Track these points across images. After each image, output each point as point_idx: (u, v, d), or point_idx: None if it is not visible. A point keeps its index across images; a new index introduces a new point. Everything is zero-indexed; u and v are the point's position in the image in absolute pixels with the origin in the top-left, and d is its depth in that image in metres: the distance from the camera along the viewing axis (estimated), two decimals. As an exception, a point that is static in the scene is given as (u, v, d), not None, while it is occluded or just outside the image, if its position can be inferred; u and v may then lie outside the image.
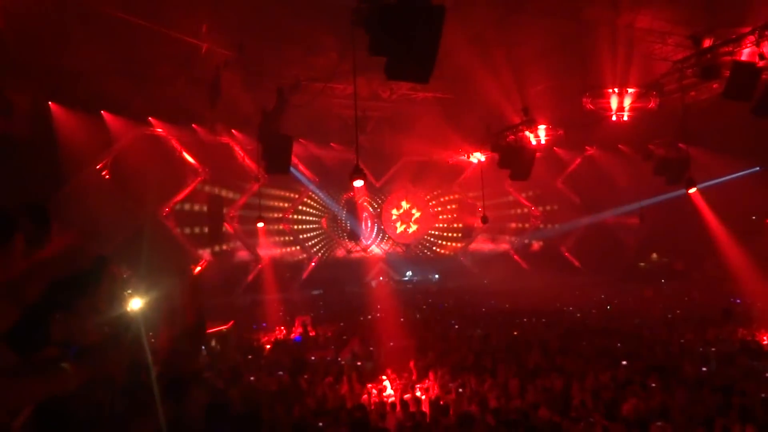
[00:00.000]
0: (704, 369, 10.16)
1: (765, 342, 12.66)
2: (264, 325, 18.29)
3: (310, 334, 16.33)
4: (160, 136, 21.09)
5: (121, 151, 20.02)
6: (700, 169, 16.94)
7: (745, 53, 12.79)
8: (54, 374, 1.99)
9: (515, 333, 14.82)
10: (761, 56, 12.00)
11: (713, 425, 6.72)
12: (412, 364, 10.55)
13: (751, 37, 12.28)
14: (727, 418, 6.85)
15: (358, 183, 9.84)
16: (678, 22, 15.39)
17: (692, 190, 14.24)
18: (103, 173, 19.94)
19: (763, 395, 7.79)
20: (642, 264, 29.33)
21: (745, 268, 20.98)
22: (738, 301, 18.72)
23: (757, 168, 23.28)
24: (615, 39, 17.16)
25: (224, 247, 24.23)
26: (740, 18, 13.28)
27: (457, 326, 16.56)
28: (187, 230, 22.93)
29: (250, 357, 12.95)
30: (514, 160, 17.85)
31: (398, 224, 29.91)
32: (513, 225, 30.71)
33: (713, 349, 11.94)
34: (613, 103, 18.38)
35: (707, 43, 13.98)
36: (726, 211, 23.00)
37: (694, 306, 19.43)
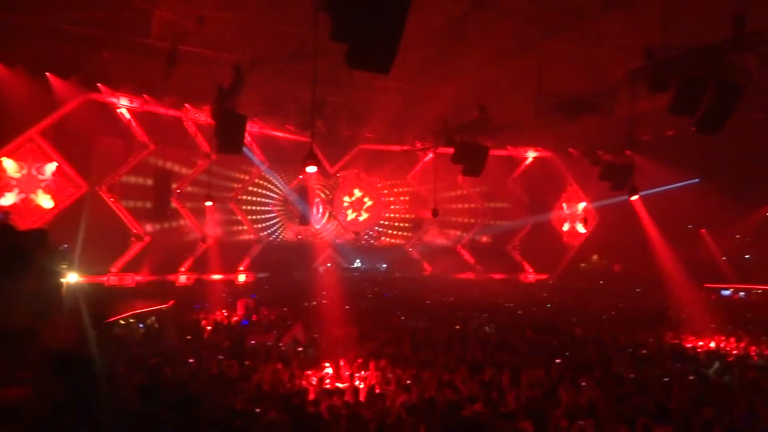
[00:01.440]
0: (632, 369, 10.62)
1: (689, 346, 13.33)
2: (206, 305, 17.95)
3: (253, 318, 16.15)
4: (108, 104, 20.26)
5: (65, 116, 19.14)
6: (643, 177, 17.60)
7: (695, 69, 13.29)
8: None
9: (457, 327, 15.07)
10: (708, 74, 12.48)
11: (635, 424, 7.03)
12: (353, 353, 10.59)
13: (701, 55, 12.76)
14: (649, 418, 7.18)
15: (312, 169, 9.71)
16: (634, 32, 15.86)
17: (634, 198, 14.75)
18: (45, 138, 19.05)
19: (686, 397, 8.19)
20: (583, 264, 30.35)
21: (677, 274, 22.02)
22: (668, 305, 19.63)
23: (697, 180, 24.38)
24: (573, 44, 17.57)
25: (169, 223, 23.61)
26: (694, 33, 13.79)
27: (403, 317, 16.71)
28: (131, 204, 22.21)
29: (189, 338, 12.70)
30: (467, 156, 18.05)
31: (350, 211, 29.87)
32: (463, 219, 31.15)
33: (643, 351, 12.49)
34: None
35: (659, 55, 14.45)
36: (664, 219, 24.04)
37: (628, 308, 20.26)
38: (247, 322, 15.61)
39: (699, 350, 12.90)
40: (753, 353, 12.56)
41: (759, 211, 26.57)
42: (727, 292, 24.56)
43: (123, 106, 20.43)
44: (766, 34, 12.09)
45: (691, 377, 9.81)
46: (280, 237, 28.26)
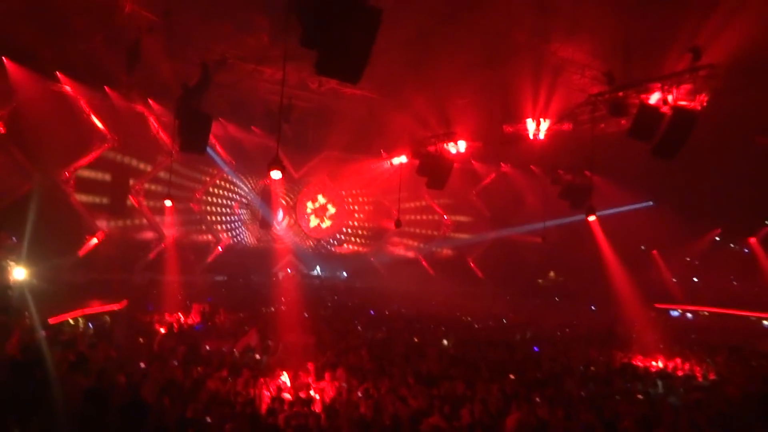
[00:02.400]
0: (583, 387, 10.84)
1: (638, 365, 13.69)
2: (161, 307, 17.49)
3: (208, 323, 15.82)
4: (67, 94, 19.61)
5: (21, 104, 18.41)
6: (600, 197, 18.05)
7: (653, 97, 13.78)
8: None
9: (415, 339, 15.10)
10: (665, 102, 12.97)
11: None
12: (310, 363, 10.47)
13: (659, 84, 13.26)
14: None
15: (276, 174, 9.59)
16: (597, 57, 16.34)
17: (592, 218, 15.10)
18: (-2, 126, 18.31)
19: (634, 417, 8.39)
20: (540, 281, 30.90)
21: (628, 294, 22.64)
22: (618, 324, 20.13)
23: (650, 203, 25.16)
24: (538, 64, 17.96)
25: (126, 221, 22.98)
26: (654, 62, 14.30)
27: (360, 327, 16.65)
28: (87, 198, 21.53)
29: (141, 340, 12.34)
30: (432, 168, 18.20)
31: (312, 217, 29.69)
32: (424, 231, 31.33)
33: (592, 368, 12.77)
34: (530, 127, 19.22)
35: (620, 81, 14.93)
36: (618, 240, 24.71)
37: (581, 325, 20.69)
38: (201, 327, 15.26)
39: (647, 369, 13.26)
40: (698, 374, 12.98)
41: (707, 235, 27.64)
42: (675, 313, 25.36)
43: (82, 97, 19.82)
44: (719, 67, 12.70)
45: (640, 396, 10.05)
46: (241, 240, 27.85)
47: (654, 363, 14.07)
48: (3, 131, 18.42)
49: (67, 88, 19.40)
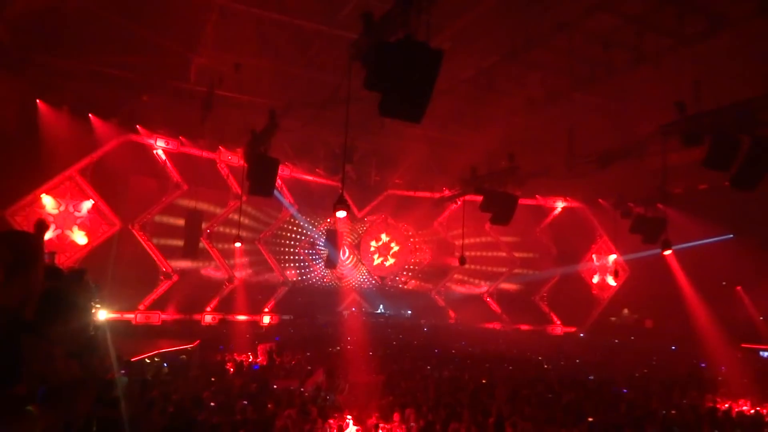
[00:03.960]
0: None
1: (727, 408, 12.74)
2: (230, 346, 17.90)
3: (276, 361, 16.02)
4: (145, 145, 20.91)
5: (103, 155, 19.81)
6: (675, 231, 17.26)
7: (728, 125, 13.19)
8: (18, 418, 1.87)
9: (483, 380, 14.69)
10: (742, 129, 12.37)
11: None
12: (377, 402, 10.38)
13: (734, 111, 12.68)
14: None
15: (341, 214, 9.78)
16: (666, 87, 15.89)
17: (668, 252, 14.44)
18: (84, 177, 19.66)
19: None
20: (613, 318, 29.57)
21: (712, 333, 21.27)
22: (703, 365, 18.90)
23: (731, 235, 23.80)
24: (604, 97, 17.63)
25: (198, 263, 23.87)
26: (725, 90, 13.76)
27: (428, 366, 16.39)
28: (162, 242, 22.58)
29: (213, 379, 12.63)
30: (496, 204, 17.99)
31: (376, 256, 29.82)
32: (490, 268, 30.81)
33: (673, 412, 11.98)
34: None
35: (692, 110, 14.41)
36: (698, 275, 23.41)
37: (660, 366, 19.56)
38: (258, 367, 15.33)
39: (739, 415, 12.31)
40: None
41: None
42: (766, 354, 23.57)
43: (159, 147, 21.05)
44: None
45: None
46: (306, 280, 28.28)
47: (745, 408, 13.05)
48: (88, 182, 19.75)
49: (146, 139, 20.69)
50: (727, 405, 13.25)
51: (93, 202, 19.93)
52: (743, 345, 22.81)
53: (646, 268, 24.69)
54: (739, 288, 26.34)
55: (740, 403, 13.43)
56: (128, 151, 20.25)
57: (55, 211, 19.26)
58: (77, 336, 2.76)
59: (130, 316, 20.35)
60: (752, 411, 12.73)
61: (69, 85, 17.43)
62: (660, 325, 27.04)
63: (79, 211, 19.78)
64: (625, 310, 29.81)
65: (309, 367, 14.67)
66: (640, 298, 27.75)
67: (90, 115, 19.04)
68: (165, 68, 17.07)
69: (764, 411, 12.70)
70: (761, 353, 23.40)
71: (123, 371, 9.98)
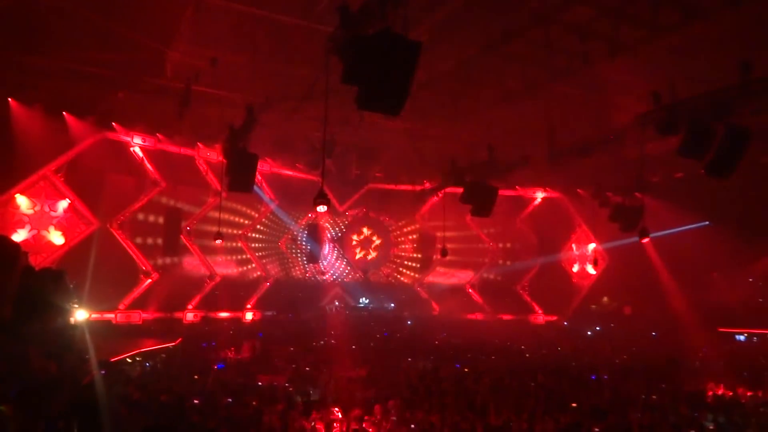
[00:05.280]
0: (647, 416, 10.34)
1: (707, 393, 13.00)
2: (213, 344, 17.79)
3: (259, 357, 15.97)
4: (122, 143, 20.61)
5: (79, 154, 19.47)
6: (652, 219, 17.54)
7: (702, 113, 13.39)
8: None
9: (465, 369, 14.82)
10: (717, 118, 12.58)
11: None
12: (361, 395, 10.41)
13: (708, 100, 12.88)
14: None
15: (322, 208, 9.76)
16: (642, 77, 16.07)
17: (645, 240, 14.67)
18: (59, 176, 19.32)
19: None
20: (593, 306, 29.97)
21: (689, 318, 21.68)
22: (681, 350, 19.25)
23: (707, 222, 24.23)
24: (581, 88, 17.76)
25: (177, 260, 23.65)
26: (700, 80, 13.96)
27: (410, 359, 16.47)
28: (141, 240, 22.32)
29: (196, 377, 12.54)
30: (476, 196, 18.10)
31: (358, 250, 29.84)
32: (471, 259, 30.99)
33: (653, 396, 12.19)
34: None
35: (667, 99, 14.59)
36: (675, 262, 23.81)
37: (640, 352, 19.89)
38: (223, 366, 14.85)
39: (716, 397, 12.58)
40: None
41: (771, 254, 26.30)
42: (741, 337, 24.09)
43: (136, 144, 20.77)
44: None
45: (711, 426, 9.53)
46: (288, 275, 28.18)
47: (722, 390, 13.34)
48: (64, 181, 19.40)
49: (122, 137, 20.39)
50: (704, 388, 13.53)
51: (69, 201, 19.60)
52: (719, 329, 23.29)
53: (624, 256, 25.05)
54: (714, 274, 26.87)
55: (716, 386, 13.71)
56: (104, 149, 19.92)
57: (31, 212, 18.91)
58: (55, 336, 2.73)
59: (110, 315, 20.10)
60: (729, 394, 13.00)
61: (42, 83, 17.07)
62: (639, 312, 27.48)
63: (55, 211, 19.44)
64: (605, 298, 30.25)
65: (293, 366, 14.63)
66: (619, 286, 28.17)
67: (64, 113, 18.69)
68: (140, 64, 16.76)
69: (740, 393, 12.98)
70: (737, 337, 23.92)
71: (103, 371, 9.88)
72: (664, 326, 23.25)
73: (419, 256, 30.77)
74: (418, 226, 30.35)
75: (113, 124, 19.93)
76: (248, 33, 15.41)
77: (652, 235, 14.91)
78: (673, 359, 17.32)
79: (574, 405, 10.45)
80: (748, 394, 12.95)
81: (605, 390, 12.51)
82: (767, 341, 23.72)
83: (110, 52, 15.98)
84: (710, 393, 13.06)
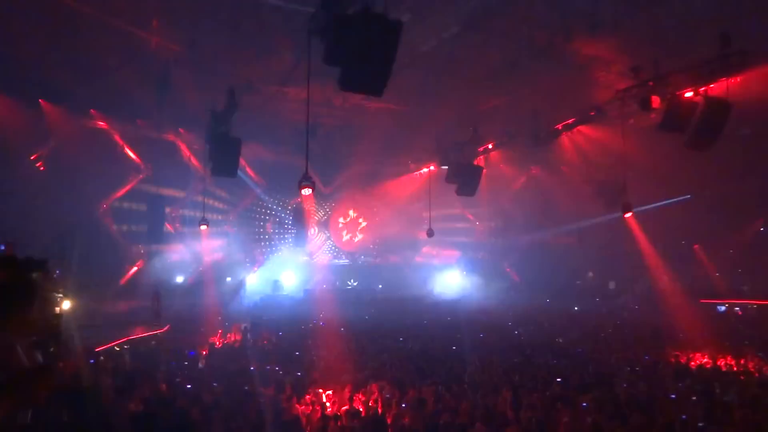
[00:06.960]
0: (633, 388, 10.55)
1: (693, 364, 13.28)
2: (202, 329, 17.77)
3: (250, 341, 16.00)
4: (101, 130, 20.28)
5: (59, 143, 19.13)
6: (635, 194, 17.72)
7: (682, 88, 13.50)
8: None
9: (453, 347, 14.97)
10: (696, 93, 12.70)
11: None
12: (350, 376, 10.49)
13: (688, 74, 12.99)
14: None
15: (307, 191, 9.75)
16: (621, 52, 16.12)
17: (628, 215, 14.84)
18: (38, 165, 19.00)
19: (683, 415, 8.14)
20: (578, 282, 30.34)
21: (672, 290, 22.03)
22: (664, 321, 19.58)
23: (688, 196, 24.53)
24: (563, 65, 17.77)
25: (163, 248, 23.50)
26: (682, 52, 14.03)
27: (401, 338, 16.59)
28: (126, 228, 22.13)
29: (186, 363, 12.54)
30: (462, 175, 18.16)
31: (344, 232, 29.88)
32: (458, 239, 31.17)
33: (637, 368, 12.42)
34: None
35: (646, 75, 14.67)
36: (658, 236, 24.12)
37: (625, 325, 20.20)
38: (194, 353, 14.68)
39: (699, 367, 12.86)
40: (752, 369, 12.53)
41: (750, 226, 26.73)
42: (722, 308, 24.57)
43: (116, 131, 20.46)
44: (751, 53, 12.34)
45: (694, 396, 9.74)
46: (276, 258, 28.17)
47: (705, 360, 13.64)
48: (43, 169, 19.09)
49: (101, 123, 20.05)
50: (686, 358, 13.82)
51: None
52: (701, 300, 23.72)
53: (608, 231, 25.32)
54: (696, 246, 27.30)
55: (702, 356, 14.01)
56: (84, 136, 19.61)
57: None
58: (40, 326, 2.71)
59: (96, 304, 19.94)
60: (710, 363, 13.29)
61: (17, 71, 16.69)
62: (622, 286, 27.89)
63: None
64: (590, 273, 30.63)
65: (283, 345, 14.66)
66: (603, 261, 28.52)
67: (41, 101, 18.31)
68: (117, 49, 16.45)
69: (721, 362, 13.28)
70: (718, 308, 24.38)
71: (91, 360, 9.86)
72: (647, 300, 23.62)
73: (406, 236, 30.89)
74: (404, 207, 30.41)
75: (91, 111, 19.59)
76: (227, 15, 15.14)
77: (635, 209, 15.10)
78: (656, 331, 17.65)
79: (558, 380, 10.62)
80: (730, 362, 13.25)
81: (591, 363, 12.72)
82: (748, 311, 24.22)
83: (86, 37, 15.64)
84: (693, 363, 13.34)
